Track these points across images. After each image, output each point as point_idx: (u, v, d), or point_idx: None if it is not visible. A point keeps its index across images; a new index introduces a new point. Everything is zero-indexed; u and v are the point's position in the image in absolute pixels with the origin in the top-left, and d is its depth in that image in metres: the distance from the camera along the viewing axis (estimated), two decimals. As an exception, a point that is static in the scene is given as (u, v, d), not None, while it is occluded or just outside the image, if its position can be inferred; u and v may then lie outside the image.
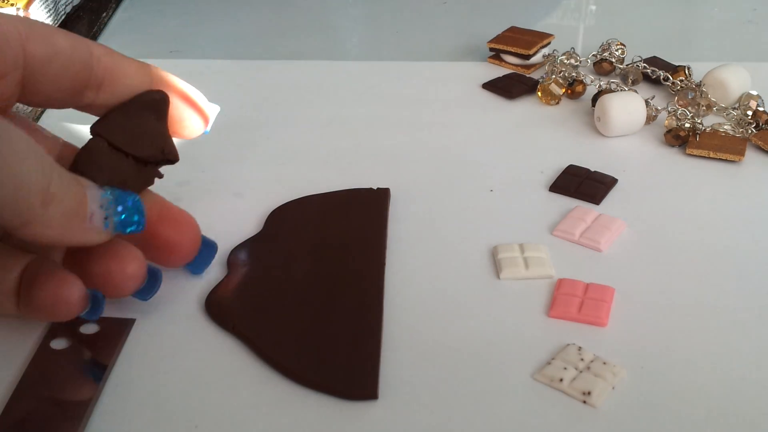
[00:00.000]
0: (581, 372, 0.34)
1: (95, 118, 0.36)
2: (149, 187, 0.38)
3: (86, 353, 0.36)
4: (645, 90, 0.57)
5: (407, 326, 0.37)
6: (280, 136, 0.53)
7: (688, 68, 0.57)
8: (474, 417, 0.33)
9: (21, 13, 0.60)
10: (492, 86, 0.58)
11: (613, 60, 0.59)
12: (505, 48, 0.60)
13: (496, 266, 0.41)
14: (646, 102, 0.52)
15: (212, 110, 0.39)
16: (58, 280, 0.33)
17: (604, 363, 0.35)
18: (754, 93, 0.53)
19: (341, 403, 0.34)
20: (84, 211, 0.32)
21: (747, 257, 0.42)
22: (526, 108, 0.55)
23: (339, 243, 0.42)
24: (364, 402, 0.34)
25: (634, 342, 0.37)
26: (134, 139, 0.36)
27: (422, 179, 0.48)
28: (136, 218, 0.34)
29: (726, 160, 0.49)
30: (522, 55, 0.59)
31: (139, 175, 0.36)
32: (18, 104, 0.35)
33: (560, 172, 0.48)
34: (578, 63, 0.58)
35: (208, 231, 0.44)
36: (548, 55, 0.60)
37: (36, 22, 0.33)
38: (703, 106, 0.53)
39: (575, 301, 0.38)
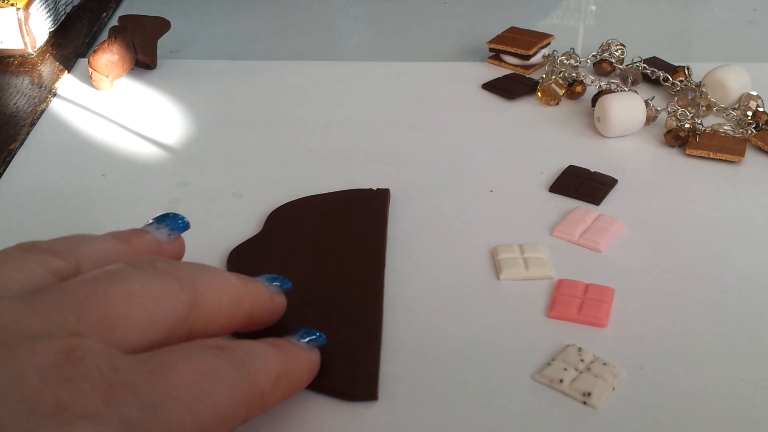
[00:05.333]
0: (581, 373, 0.34)
1: None
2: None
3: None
4: (645, 90, 0.57)
5: (407, 326, 0.38)
6: (280, 136, 0.53)
7: (688, 68, 0.57)
8: (474, 418, 0.33)
9: (21, 14, 0.60)
10: (492, 87, 0.58)
11: (613, 60, 0.59)
12: (504, 48, 0.60)
13: (496, 267, 0.41)
14: (646, 102, 0.52)
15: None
16: None
17: (604, 364, 0.35)
18: (754, 93, 0.53)
19: (341, 404, 0.34)
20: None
21: (747, 258, 0.42)
22: (525, 108, 0.55)
23: (339, 243, 0.42)
24: (364, 403, 0.34)
25: (634, 343, 0.37)
26: None
27: (422, 179, 0.48)
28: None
29: (726, 161, 0.49)
30: (522, 55, 0.59)
31: None
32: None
33: (560, 173, 0.48)
34: (578, 63, 0.58)
35: (209, 231, 0.44)
36: (548, 56, 0.60)
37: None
38: (702, 106, 0.53)
39: (575, 301, 0.38)
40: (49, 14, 0.65)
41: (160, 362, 0.26)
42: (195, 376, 0.26)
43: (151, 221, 0.35)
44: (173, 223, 0.34)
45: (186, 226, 0.35)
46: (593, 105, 0.54)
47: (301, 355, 0.32)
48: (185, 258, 0.42)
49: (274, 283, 0.35)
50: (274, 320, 0.35)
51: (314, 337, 0.33)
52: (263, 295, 0.33)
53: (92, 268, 0.29)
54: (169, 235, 0.34)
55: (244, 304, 0.32)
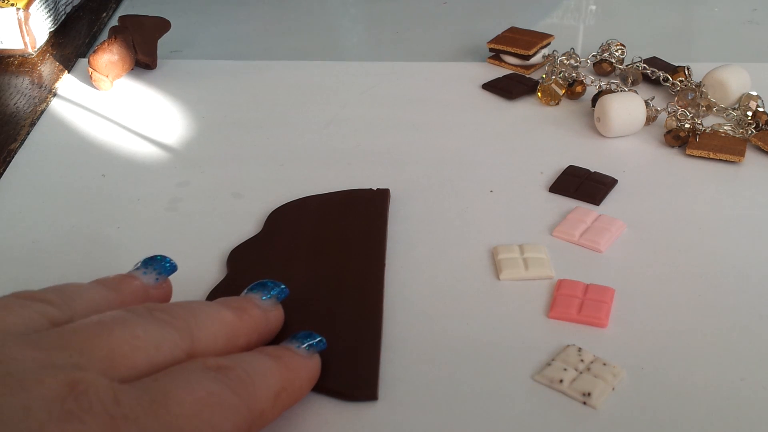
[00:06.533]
0: (581, 373, 0.34)
1: None
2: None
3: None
4: (645, 90, 0.57)
5: (407, 326, 0.38)
6: (280, 136, 0.53)
7: (688, 69, 0.57)
8: (474, 418, 0.33)
9: (21, 14, 0.60)
10: (492, 87, 0.58)
11: (613, 60, 0.59)
12: (504, 48, 0.60)
13: (496, 267, 0.41)
14: (646, 103, 0.52)
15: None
16: None
17: (604, 364, 0.35)
18: (754, 93, 0.53)
19: (341, 404, 0.34)
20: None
21: (747, 258, 0.42)
22: (525, 108, 0.55)
23: (339, 243, 0.42)
24: (364, 403, 0.34)
25: (634, 343, 0.37)
26: None
27: (422, 179, 0.48)
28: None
29: (726, 161, 0.49)
30: (522, 55, 0.59)
31: None
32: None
33: (560, 173, 0.48)
34: (578, 63, 0.58)
35: (209, 231, 0.44)
36: (548, 56, 0.60)
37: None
38: (703, 106, 0.53)
39: (575, 302, 0.38)
40: (49, 14, 0.65)
41: (162, 390, 0.27)
42: (196, 406, 0.27)
43: (138, 265, 0.35)
44: (161, 266, 0.35)
45: (173, 268, 0.35)
46: (593, 105, 0.54)
47: (301, 364, 0.32)
48: (189, 258, 0.42)
49: (269, 298, 0.35)
50: (273, 337, 0.35)
51: (315, 342, 0.33)
52: (258, 323, 0.33)
53: (85, 318, 0.30)
54: (157, 279, 0.34)
55: (240, 339, 0.32)
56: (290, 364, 0.32)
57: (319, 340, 0.33)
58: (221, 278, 0.40)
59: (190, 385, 0.27)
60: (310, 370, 0.33)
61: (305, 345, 0.33)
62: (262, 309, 0.34)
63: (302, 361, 0.32)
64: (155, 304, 0.31)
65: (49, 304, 0.30)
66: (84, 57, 0.63)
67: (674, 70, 0.57)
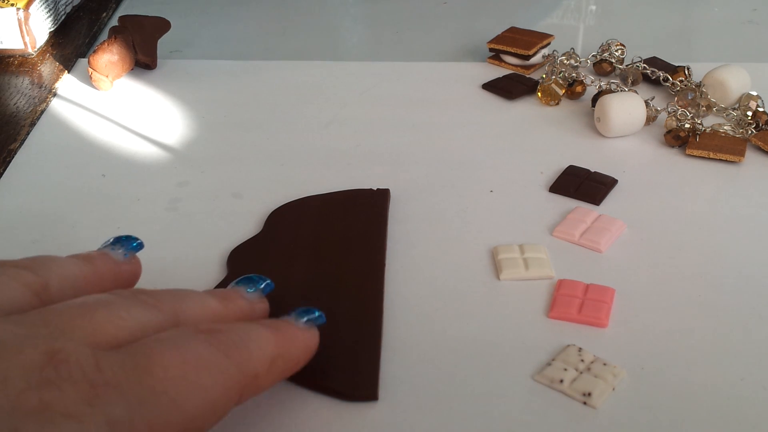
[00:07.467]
0: (581, 373, 0.34)
1: None
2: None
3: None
4: (645, 90, 0.57)
5: (407, 326, 0.38)
6: (280, 136, 0.53)
7: (688, 69, 0.57)
8: (474, 418, 0.33)
9: (21, 14, 0.60)
10: (492, 87, 0.58)
11: (613, 60, 0.59)
12: (504, 48, 0.60)
13: (496, 267, 0.41)
14: (646, 102, 0.52)
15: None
16: None
17: (605, 364, 0.35)
18: (754, 93, 0.53)
19: (341, 404, 0.34)
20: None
21: (747, 257, 0.42)
22: (525, 108, 0.56)
23: (339, 243, 0.42)
24: (364, 403, 0.34)
25: (634, 343, 0.37)
26: None
27: (422, 179, 0.48)
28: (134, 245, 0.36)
29: (726, 161, 0.49)
30: (522, 55, 0.59)
31: None
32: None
33: (560, 173, 0.48)
34: (578, 63, 0.58)
35: (209, 231, 0.44)
36: (548, 56, 0.60)
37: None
38: (702, 106, 0.53)
39: (575, 302, 0.38)
40: (49, 14, 0.65)
41: (146, 353, 0.26)
42: (182, 368, 0.26)
43: (107, 243, 0.35)
44: (127, 243, 0.35)
45: (140, 246, 0.36)
46: (593, 105, 0.54)
47: (298, 335, 0.32)
48: (189, 258, 0.42)
49: (254, 291, 0.34)
50: None
51: (313, 317, 0.33)
52: (244, 313, 0.33)
53: (60, 285, 0.30)
54: (125, 255, 0.35)
55: None
56: (286, 333, 0.31)
57: (318, 315, 0.33)
58: (221, 278, 0.40)
59: (177, 348, 0.27)
60: (307, 341, 0.32)
61: (304, 319, 0.33)
62: (248, 300, 0.34)
63: (299, 332, 0.32)
64: (141, 289, 0.31)
65: (22, 268, 0.30)
66: (84, 57, 0.63)
67: (674, 70, 0.57)
